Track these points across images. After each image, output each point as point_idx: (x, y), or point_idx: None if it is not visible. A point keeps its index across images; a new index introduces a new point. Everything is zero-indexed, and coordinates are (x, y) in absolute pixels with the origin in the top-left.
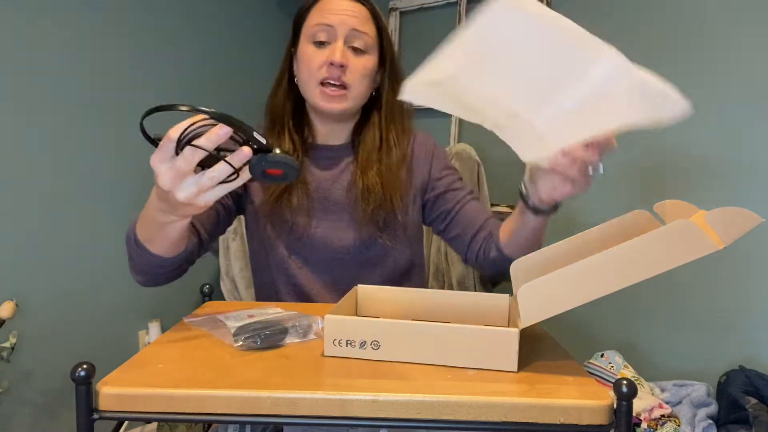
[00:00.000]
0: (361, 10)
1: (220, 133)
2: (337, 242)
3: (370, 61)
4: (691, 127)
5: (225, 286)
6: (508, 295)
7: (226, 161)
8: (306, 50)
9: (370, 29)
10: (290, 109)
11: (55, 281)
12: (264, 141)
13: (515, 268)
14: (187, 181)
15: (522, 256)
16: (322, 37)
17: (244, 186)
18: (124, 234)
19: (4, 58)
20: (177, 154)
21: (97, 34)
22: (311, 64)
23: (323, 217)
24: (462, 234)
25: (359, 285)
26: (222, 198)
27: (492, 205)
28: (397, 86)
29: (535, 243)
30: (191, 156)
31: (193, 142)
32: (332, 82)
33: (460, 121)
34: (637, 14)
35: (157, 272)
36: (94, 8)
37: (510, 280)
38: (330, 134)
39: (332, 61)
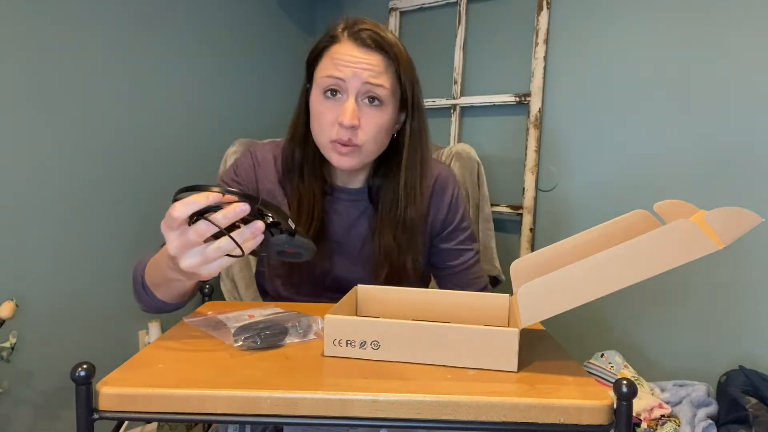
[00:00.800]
0: (376, 60)
1: (237, 210)
2: (351, 281)
3: (386, 114)
4: (691, 126)
5: (225, 286)
6: (508, 295)
7: (232, 238)
8: (317, 104)
9: (386, 80)
10: (310, 152)
11: (55, 281)
12: (293, 226)
13: (515, 268)
14: (193, 250)
15: None
16: (334, 87)
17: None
18: (124, 234)
19: (6, 58)
20: (190, 223)
21: (99, 34)
22: (322, 119)
23: (338, 259)
24: (454, 287)
25: (359, 285)
26: None
27: (492, 205)
28: (419, 128)
29: None
30: (204, 230)
31: (208, 217)
32: (343, 142)
33: (460, 121)
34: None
35: (160, 310)
36: (97, 9)
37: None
38: (348, 178)
39: (341, 123)
